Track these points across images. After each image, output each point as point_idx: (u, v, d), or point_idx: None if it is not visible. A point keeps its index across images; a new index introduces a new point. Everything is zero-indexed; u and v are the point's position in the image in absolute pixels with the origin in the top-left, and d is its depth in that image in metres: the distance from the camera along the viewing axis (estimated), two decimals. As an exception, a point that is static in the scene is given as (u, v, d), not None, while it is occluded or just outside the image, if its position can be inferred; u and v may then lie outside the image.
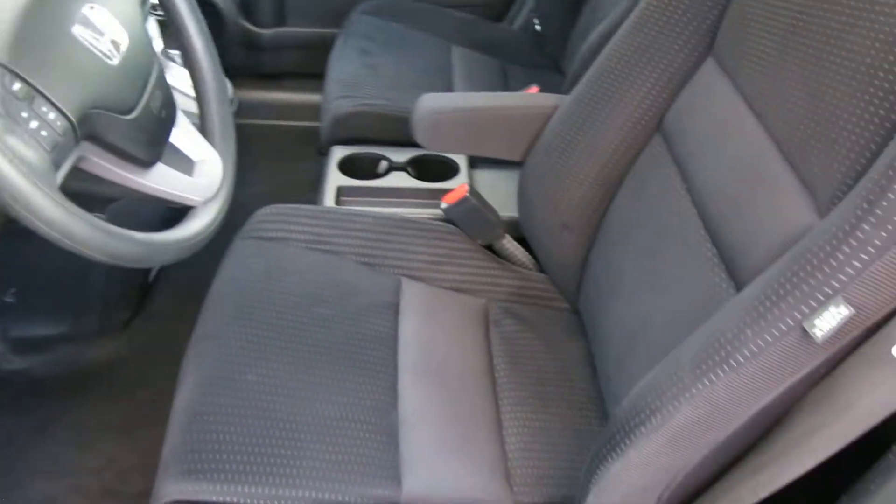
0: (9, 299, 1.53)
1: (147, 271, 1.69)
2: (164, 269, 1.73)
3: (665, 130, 1.10)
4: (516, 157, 1.33)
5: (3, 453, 1.39)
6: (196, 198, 0.98)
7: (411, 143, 1.55)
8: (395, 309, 1.19)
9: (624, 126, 1.14)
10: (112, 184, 0.91)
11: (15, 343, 1.55)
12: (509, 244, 1.33)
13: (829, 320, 0.66)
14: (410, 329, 1.16)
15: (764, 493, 0.73)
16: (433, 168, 1.64)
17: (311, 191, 1.68)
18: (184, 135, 1.02)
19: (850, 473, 0.72)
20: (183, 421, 0.97)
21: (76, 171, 0.84)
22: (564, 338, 1.23)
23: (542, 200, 1.25)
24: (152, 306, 1.68)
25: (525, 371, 1.15)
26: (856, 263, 0.65)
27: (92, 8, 0.85)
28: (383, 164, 1.65)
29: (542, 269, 1.33)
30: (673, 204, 1.02)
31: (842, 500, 0.72)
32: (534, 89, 1.50)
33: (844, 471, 0.72)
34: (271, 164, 2.08)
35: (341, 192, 1.57)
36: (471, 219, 1.30)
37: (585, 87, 1.20)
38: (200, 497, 0.89)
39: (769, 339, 0.69)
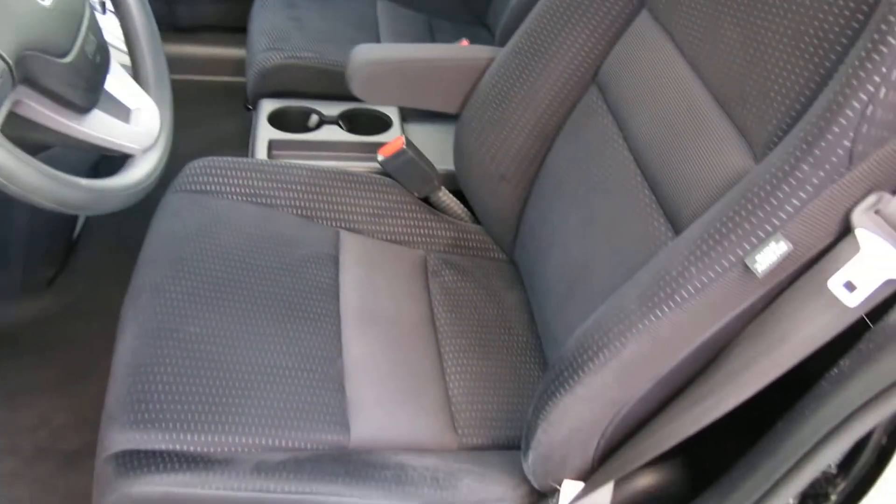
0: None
1: (72, 227, 1.63)
2: (88, 225, 1.68)
3: (601, 81, 1.13)
4: (452, 110, 1.33)
5: None
6: (134, 146, 0.96)
7: (341, 97, 1.54)
8: (334, 260, 1.19)
9: (560, 77, 1.16)
10: (46, 130, 0.88)
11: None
12: (445, 196, 1.34)
13: (769, 256, 0.70)
14: (351, 280, 1.17)
15: (705, 422, 0.77)
16: (365, 122, 1.63)
17: (239, 146, 1.65)
18: (118, 82, 0.99)
19: (784, 402, 0.76)
20: (126, 373, 0.95)
21: (8, 118, 0.81)
22: (501, 286, 1.25)
23: (479, 152, 1.26)
24: (77, 262, 1.63)
25: (465, 319, 1.17)
26: (794, 202, 0.69)
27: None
28: (314, 118, 1.63)
29: (477, 221, 1.35)
30: (609, 153, 1.05)
31: (777, 426, 0.76)
32: (464, 43, 1.51)
33: (779, 400, 0.76)
34: (195, 119, 2.02)
35: (273, 145, 1.55)
36: (408, 171, 1.30)
37: (521, 38, 1.21)
38: (148, 446, 0.89)
39: (712, 276, 0.73)
